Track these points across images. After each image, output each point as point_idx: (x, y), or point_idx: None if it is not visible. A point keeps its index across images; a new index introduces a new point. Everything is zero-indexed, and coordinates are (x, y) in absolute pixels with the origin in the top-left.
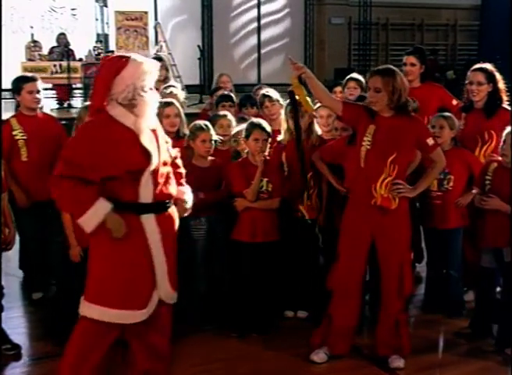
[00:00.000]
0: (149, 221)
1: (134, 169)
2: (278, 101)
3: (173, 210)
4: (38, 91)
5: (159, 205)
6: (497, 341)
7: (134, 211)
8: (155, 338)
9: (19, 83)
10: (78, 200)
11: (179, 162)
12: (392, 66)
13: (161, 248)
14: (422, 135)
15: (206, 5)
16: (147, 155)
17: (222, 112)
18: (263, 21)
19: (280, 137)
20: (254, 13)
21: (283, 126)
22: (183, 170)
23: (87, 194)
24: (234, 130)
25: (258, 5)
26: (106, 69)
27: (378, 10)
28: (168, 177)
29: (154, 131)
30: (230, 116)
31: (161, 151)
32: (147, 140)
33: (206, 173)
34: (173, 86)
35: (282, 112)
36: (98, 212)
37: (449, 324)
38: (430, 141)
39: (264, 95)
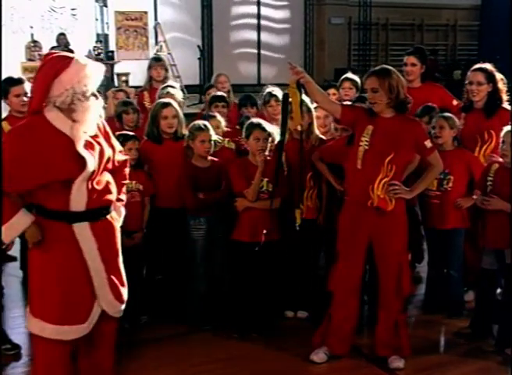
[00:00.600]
0: (82, 229)
1: (63, 179)
2: None
3: (113, 216)
4: (26, 94)
5: (94, 212)
6: (497, 342)
7: (65, 220)
8: (99, 354)
9: (6, 86)
10: None
11: (126, 171)
12: (386, 66)
13: (97, 257)
14: (420, 137)
15: (206, 5)
16: (81, 163)
17: (211, 113)
18: (263, 21)
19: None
20: (253, 13)
21: None
22: (125, 182)
23: (6, 208)
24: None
25: (258, 5)
26: (46, 69)
27: (378, 10)
28: (108, 183)
29: (95, 137)
30: (219, 117)
31: (104, 157)
32: (82, 147)
33: (206, 173)
34: (171, 86)
35: None
36: (14, 226)
37: (449, 324)
38: (428, 144)
39: (271, 94)
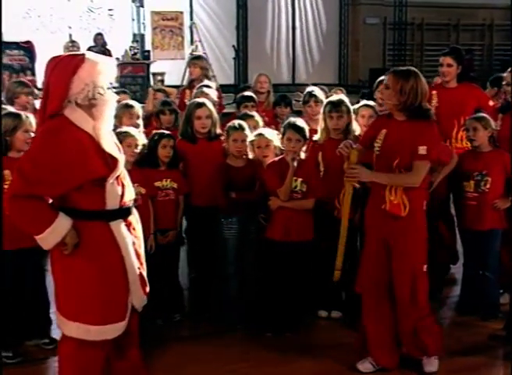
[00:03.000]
0: (119, 227)
1: (97, 177)
2: (322, 101)
3: (135, 212)
4: None
5: (126, 209)
6: None
7: (103, 219)
8: (132, 352)
9: None
10: (36, 220)
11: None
12: (413, 69)
13: (132, 253)
14: (417, 141)
15: (241, 5)
16: (111, 161)
17: (249, 113)
18: (298, 21)
19: (316, 137)
20: (288, 13)
21: (320, 125)
22: None
23: (46, 213)
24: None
25: (293, 5)
26: (59, 70)
27: (414, 10)
28: (127, 178)
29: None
30: (257, 117)
31: (121, 152)
32: (108, 144)
33: (239, 172)
34: (207, 86)
35: (321, 110)
36: (58, 230)
37: (484, 327)
38: (422, 150)
39: (311, 94)
